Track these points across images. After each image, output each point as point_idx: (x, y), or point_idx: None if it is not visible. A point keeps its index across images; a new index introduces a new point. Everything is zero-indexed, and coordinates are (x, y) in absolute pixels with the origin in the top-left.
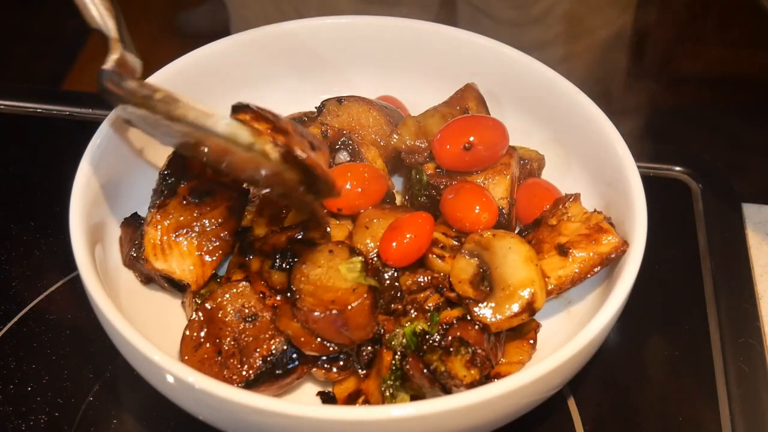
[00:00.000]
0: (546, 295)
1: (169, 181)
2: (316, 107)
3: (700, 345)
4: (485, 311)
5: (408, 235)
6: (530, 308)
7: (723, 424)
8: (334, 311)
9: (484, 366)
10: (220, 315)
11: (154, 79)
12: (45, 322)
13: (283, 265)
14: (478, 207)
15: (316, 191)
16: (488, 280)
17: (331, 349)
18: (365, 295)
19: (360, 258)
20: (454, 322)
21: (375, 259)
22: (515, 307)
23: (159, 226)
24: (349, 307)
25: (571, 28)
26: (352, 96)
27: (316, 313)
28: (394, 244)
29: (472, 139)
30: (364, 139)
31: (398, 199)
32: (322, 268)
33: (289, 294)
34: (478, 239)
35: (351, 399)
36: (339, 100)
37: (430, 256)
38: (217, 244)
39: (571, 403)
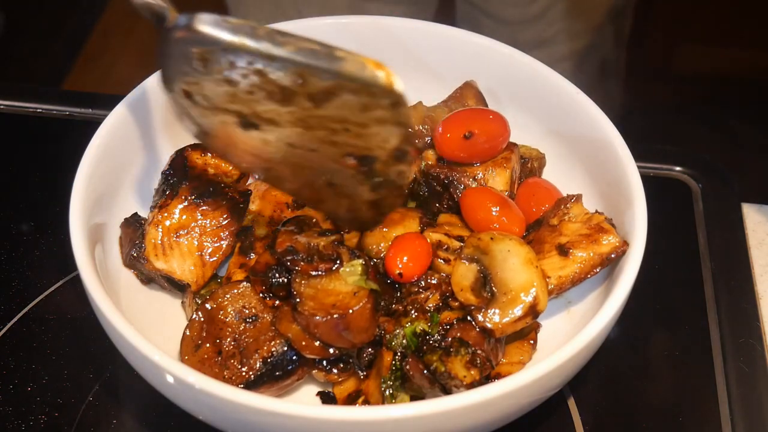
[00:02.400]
0: (547, 296)
1: (171, 181)
2: None
3: (700, 345)
4: (488, 317)
5: (411, 264)
6: (533, 311)
7: (723, 424)
8: (336, 315)
9: (484, 367)
10: (220, 315)
11: (153, 79)
12: (45, 322)
13: (281, 280)
14: (505, 218)
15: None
16: (489, 284)
17: (331, 352)
18: (366, 299)
19: (360, 261)
20: (454, 322)
21: (381, 260)
22: (518, 312)
23: (160, 226)
24: (351, 311)
25: (570, 26)
26: None
27: (317, 318)
28: (399, 266)
29: (473, 129)
30: None
31: None
32: (325, 272)
33: (290, 297)
34: (476, 243)
35: (351, 399)
36: None
37: (435, 260)
38: (218, 244)
39: (571, 403)
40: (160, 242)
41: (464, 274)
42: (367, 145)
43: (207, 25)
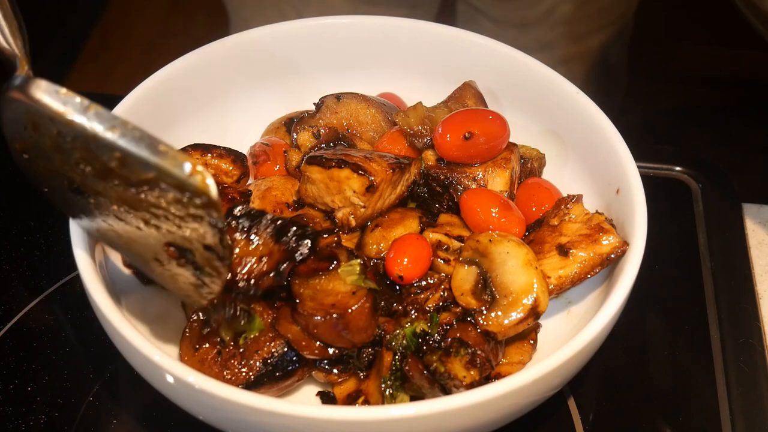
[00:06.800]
0: (548, 297)
1: None
2: (314, 103)
3: (700, 345)
4: (490, 320)
5: (411, 266)
6: (534, 313)
7: (723, 424)
8: (335, 315)
9: (484, 367)
10: None
11: (153, 80)
12: (45, 322)
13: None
14: (505, 219)
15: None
16: (489, 287)
17: (331, 352)
18: (365, 298)
19: (359, 260)
20: (454, 323)
21: (381, 260)
22: (519, 314)
23: None
24: (350, 311)
25: (572, 29)
26: (350, 93)
27: (316, 318)
28: (400, 269)
29: (472, 130)
30: (363, 136)
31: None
32: (322, 272)
33: (290, 298)
34: (475, 246)
35: (351, 399)
36: (337, 96)
37: (435, 260)
38: None
39: (571, 403)
40: None
41: (464, 277)
42: (186, 236)
43: (39, 92)
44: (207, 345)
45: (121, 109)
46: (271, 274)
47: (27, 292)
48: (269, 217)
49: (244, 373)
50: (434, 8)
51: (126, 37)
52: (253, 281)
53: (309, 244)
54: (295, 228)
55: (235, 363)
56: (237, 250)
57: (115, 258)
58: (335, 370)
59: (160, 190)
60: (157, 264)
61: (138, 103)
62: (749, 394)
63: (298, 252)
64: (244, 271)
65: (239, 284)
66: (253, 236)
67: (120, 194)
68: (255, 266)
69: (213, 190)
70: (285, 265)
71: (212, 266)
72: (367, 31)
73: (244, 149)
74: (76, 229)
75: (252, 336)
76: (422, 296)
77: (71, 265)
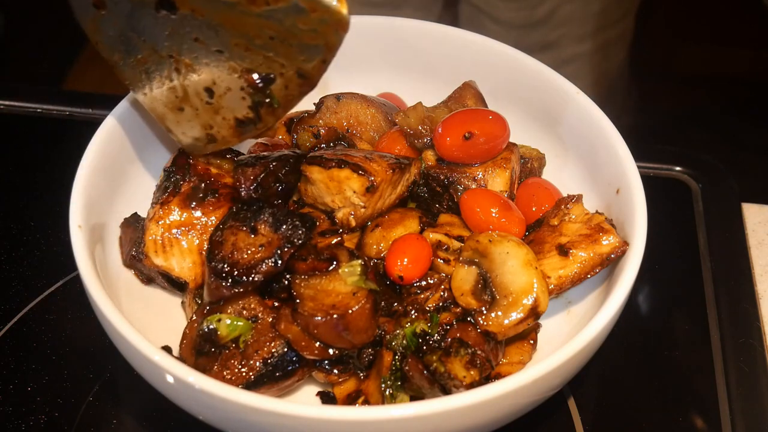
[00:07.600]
0: (548, 297)
1: (173, 179)
2: (314, 103)
3: (700, 345)
4: (490, 320)
5: (411, 266)
6: (534, 313)
7: (723, 424)
8: (335, 315)
9: (484, 367)
10: None
11: None
12: (45, 322)
13: (282, 281)
14: (505, 219)
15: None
16: (489, 287)
17: (331, 353)
18: (365, 299)
19: (359, 261)
20: (454, 323)
21: (382, 261)
22: (519, 314)
23: (161, 222)
24: (350, 311)
25: (574, 30)
26: (350, 93)
27: (317, 318)
28: (400, 269)
29: (472, 130)
30: (363, 136)
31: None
32: (322, 272)
33: (290, 299)
34: (475, 246)
35: (351, 399)
36: (337, 97)
37: (435, 260)
38: None
39: (571, 403)
40: (159, 239)
41: (464, 277)
42: (282, 61)
43: None
44: (207, 345)
45: (121, 110)
46: (270, 260)
47: (27, 292)
48: (269, 210)
49: (244, 373)
50: (437, 9)
51: None
52: (252, 266)
53: (304, 230)
54: (292, 217)
55: (235, 363)
56: (237, 241)
57: (115, 258)
58: (335, 371)
59: (287, 5)
60: (201, 96)
61: (139, 103)
62: (749, 394)
63: (295, 238)
64: (244, 258)
65: (241, 270)
66: (253, 227)
67: (229, 14)
68: (256, 254)
69: (345, 11)
70: (284, 249)
71: (287, 95)
72: (367, 31)
73: (245, 149)
74: (76, 229)
75: (249, 337)
76: (422, 296)
77: (71, 265)
